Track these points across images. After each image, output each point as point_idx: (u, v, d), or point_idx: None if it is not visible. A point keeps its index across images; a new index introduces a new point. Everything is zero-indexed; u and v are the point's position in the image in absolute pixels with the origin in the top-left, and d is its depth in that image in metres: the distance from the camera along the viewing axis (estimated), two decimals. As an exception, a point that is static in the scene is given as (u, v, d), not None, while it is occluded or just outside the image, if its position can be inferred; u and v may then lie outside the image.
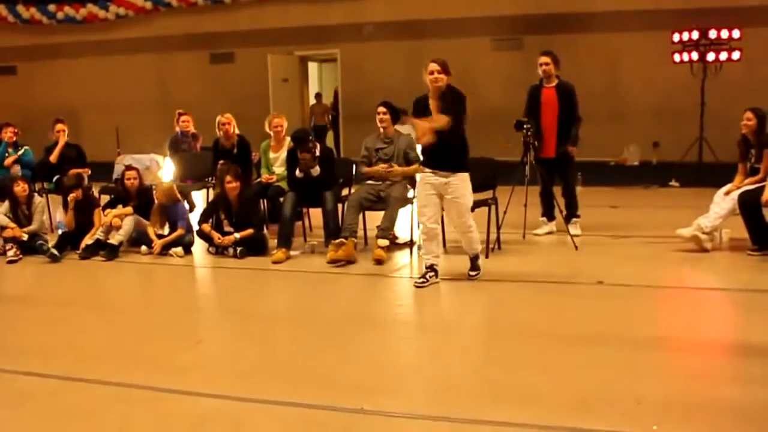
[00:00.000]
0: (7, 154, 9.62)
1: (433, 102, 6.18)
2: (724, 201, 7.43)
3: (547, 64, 8.22)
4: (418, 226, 6.64)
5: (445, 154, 6.22)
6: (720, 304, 6.15)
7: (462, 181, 6.27)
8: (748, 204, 7.17)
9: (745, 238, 7.32)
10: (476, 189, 7.70)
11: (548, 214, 8.57)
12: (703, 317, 5.68)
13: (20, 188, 8.21)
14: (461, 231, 6.48)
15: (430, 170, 6.29)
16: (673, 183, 12.40)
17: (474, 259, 6.63)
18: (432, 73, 6.15)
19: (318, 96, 19.51)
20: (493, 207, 7.50)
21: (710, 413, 3.78)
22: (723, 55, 12.80)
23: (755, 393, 4.01)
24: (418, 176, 6.70)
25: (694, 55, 12.98)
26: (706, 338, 5.11)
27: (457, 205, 6.31)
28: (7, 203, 8.30)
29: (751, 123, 7.46)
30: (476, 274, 6.59)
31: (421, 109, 6.28)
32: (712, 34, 12.81)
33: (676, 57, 13.27)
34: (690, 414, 3.77)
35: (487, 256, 7.35)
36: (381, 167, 7.73)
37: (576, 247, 7.65)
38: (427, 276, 6.39)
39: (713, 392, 4.09)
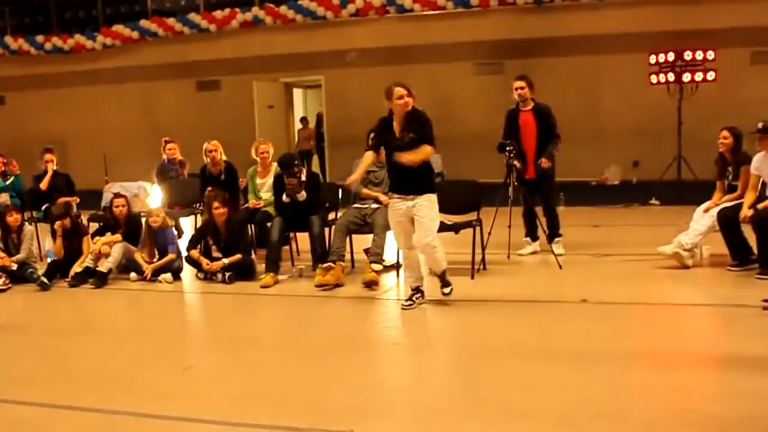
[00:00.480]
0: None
1: (398, 125, 6.21)
2: (703, 218, 7.48)
3: (522, 88, 8.27)
4: None
5: (411, 179, 6.19)
6: (702, 320, 6.16)
7: (428, 202, 6.22)
8: (727, 221, 7.21)
9: (725, 254, 7.37)
10: (460, 210, 7.80)
11: (531, 234, 8.60)
12: (685, 333, 5.69)
13: (13, 219, 8.21)
14: (426, 252, 6.36)
15: (398, 196, 6.29)
16: (653, 201, 12.47)
17: (442, 276, 6.49)
18: (401, 97, 6.13)
19: (303, 120, 19.37)
20: (477, 228, 7.50)
21: (695, 428, 3.78)
22: (698, 76, 12.91)
23: (739, 407, 4.02)
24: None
25: (671, 76, 13.09)
26: (689, 353, 5.11)
27: (421, 225, 6.20)
28: (-1, 231, 8.29)
29: (727, 141, 7.53)
30: (450, 291, 6.48)
31: (384, 129, 6.30)
32: (688, 55, 12.92)
33: (653, 78, 13.39)
34: (675, 429, 3.77)
35: (472, 277, 7.36)
36: (382, 198, 7.60)
37: (560, 267, 7.66)
38: (414, 298, 6.40)
39: (697, 407, 4.09)
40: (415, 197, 6.19)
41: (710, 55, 12.87)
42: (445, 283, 6.50)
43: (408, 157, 6.07)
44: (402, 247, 6.50)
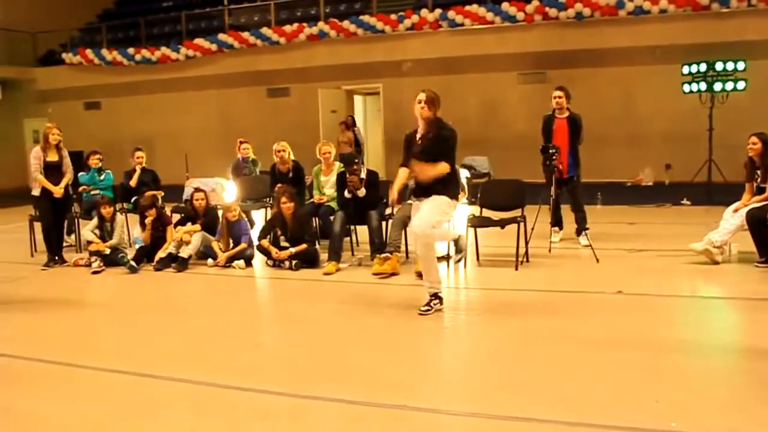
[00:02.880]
0: (96, 178, 9.83)
1: (421, 131, 5.72)
2: (732, 218, 7.31)
3: (560, 97, 8.53)
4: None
5: (432, 184, 5.64)
6: (730, 312, 6.01)
7: (433, 200, 5.64)
8: (755, 220, 7.04)
9: (753, 252, 7.17)
10: (506, 208, 7.79)
11: (559, 224, 8.80)
12: (714, 324, 5.55)
13: (106, 211, 8.42)
14: (419, 244, 5.76)
15: (416, 199, 5.83)
16: (684, 201, 12.17)
17: (434, 295, 5.75)
18: (419, 102, 5.63)
19: (343, 124, 17.46)
20: (521, 224, 7.42)
21: (724, 412, 3.69)
22: (729, 85, 12.56)
23: (764, 392, 3.90)
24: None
25: (703, 86, 12.74)
26: (718, 343, 4.98)
27: (419, 215, 5.67)
28: (95, 220, 8.54)
29: (756, 147, 7.35)
30: (427, 311, 5.71)
31: (408, 142, 5.82)
32: (719, 66, 12.58)
33: (686, 87, 13.06)
34: (706, 413, 3.67)
35: (516, 269, 7.30)
36: None
37: (597, 260, 7.54)
38: (432, 303, 5.84)
39: (725, 392, 3.99)
40: (425, 200, 5.71)
41: (740, 65, 12.50)
42: (435, 297, 5.76)
43: (418, 168, 5.56)
44: None
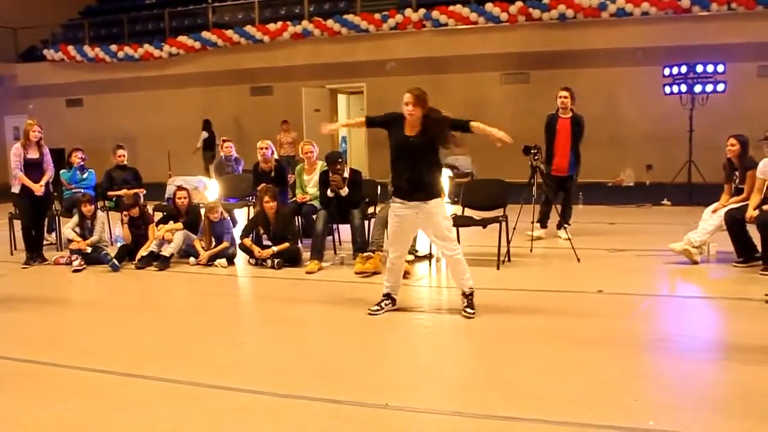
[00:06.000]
0: (78, 176, 9.74)
1: (410, 129, 5.50)
2: (711, 218, 7.37)
3: (565, 97, 8.76)
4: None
5: (418, 185, 5.52)
6: (709, 311, 6.06)
7: (435, 207, 5.54)
8: (733, 221, 7.10)
9: (731, 252, 7.26)
10: (488, 207, 7.81)
11: (543, 221, 8.87)
12: (693, 323, 5.60)
13: (87, 209, 8.35)
14: (446, 258, 5.81)
15: (399, 201, 5.62)
16: (665, 202, 12.28)
17: (468, 296, 5.68)
18: (407, 104, 5.42)
19: (285, 123, 16.63)
20: (503, 223, 7.45)
21: (701, 410, 3.72)
22: (709, 87, 12.65)
23: (741, 390, 3.95)
24: (391, 206, 5.83)
25: (683, 88, 12.83)
26: (696, 341, 5.02)
27: (435, 230, 5.62)
28: (76, 218, 8.48)
29: (735, 148, 7.42)
30: (472, 313, 5.59)
31: (394, 119, 5.59)
32: (699, 68, 12.68)
33: (667, 89, 13.14)
34: (684, 411, 3.71)
35: (498, 268, 7.32)
36: None
37: (578, 260, 7.58)
38: (383, 304, 5.83)
39: (703, 390, 4.02)
40: (418, 205, 5.54)
41: (720, 68, 12.60)
42: (469, 304, 5.67)
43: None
44: (393, 252, 5.80)
